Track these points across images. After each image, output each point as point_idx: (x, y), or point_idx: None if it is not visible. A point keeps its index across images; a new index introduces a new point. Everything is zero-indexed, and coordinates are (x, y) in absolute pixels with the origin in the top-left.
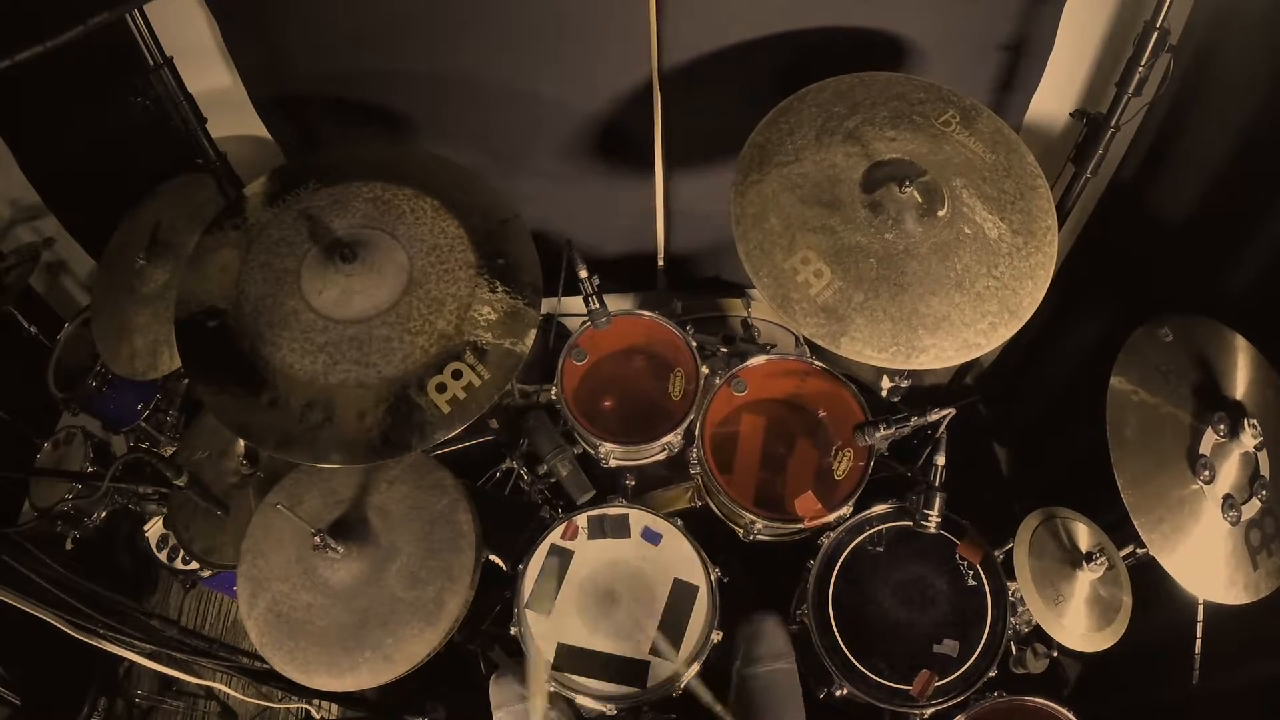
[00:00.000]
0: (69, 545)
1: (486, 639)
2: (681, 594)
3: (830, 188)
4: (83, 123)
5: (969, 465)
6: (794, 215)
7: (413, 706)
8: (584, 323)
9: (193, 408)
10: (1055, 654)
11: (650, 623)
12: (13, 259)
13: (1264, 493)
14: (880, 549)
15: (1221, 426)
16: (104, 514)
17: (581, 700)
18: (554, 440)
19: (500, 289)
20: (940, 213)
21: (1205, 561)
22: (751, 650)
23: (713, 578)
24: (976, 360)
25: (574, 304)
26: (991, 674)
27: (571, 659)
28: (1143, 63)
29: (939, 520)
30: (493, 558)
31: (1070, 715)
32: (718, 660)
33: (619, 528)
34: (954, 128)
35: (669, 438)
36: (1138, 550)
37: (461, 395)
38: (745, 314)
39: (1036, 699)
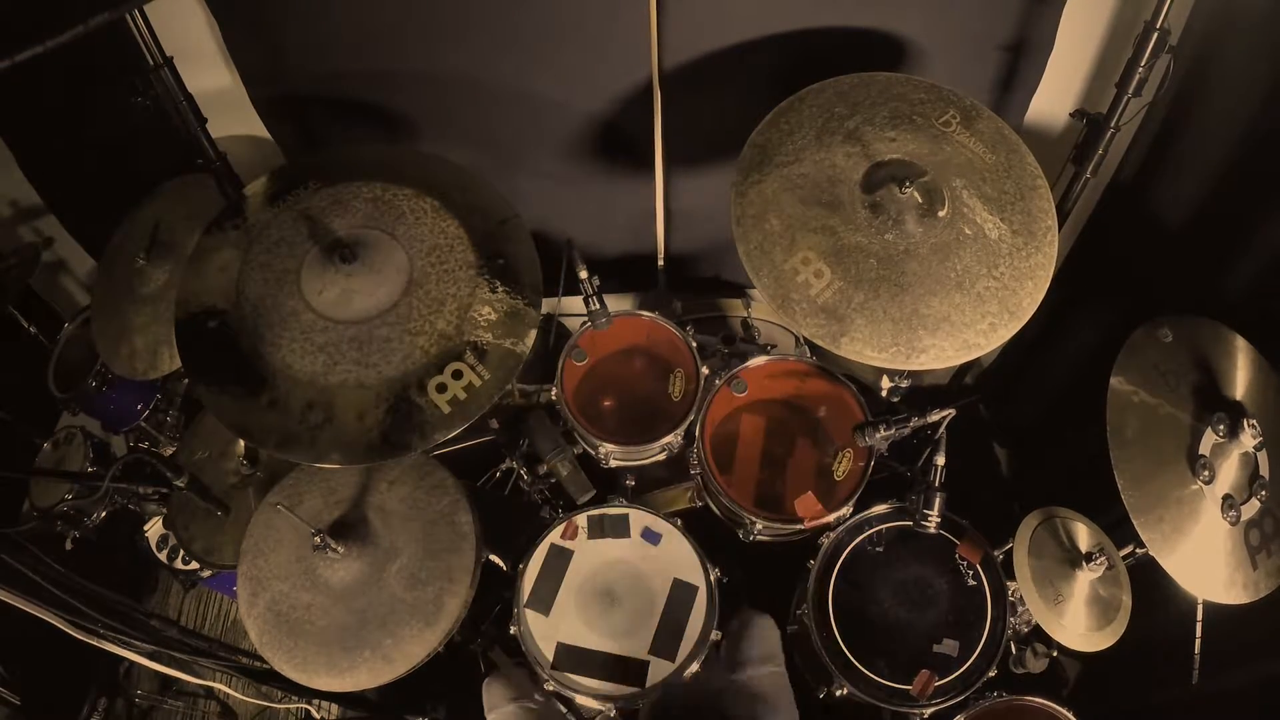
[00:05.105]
0: (69, 545)
1: (486, 639)
2: (681, 594)
3: (830, 188)
4: (83, 123)
5: (969, 465)
6: (794, 215)
7: (413, 706)
8: (584, 323)
9: (193, 408)
10: (1055, 654)
11: (650, 623)
12: (13, 259)
13: (1263, 493)
14: (880, 549)
15: (1221, 427)
16: (104, 514)
17: (581, 700)
18: (554, 440)
19: (500, 289)
20: (940, 213)
21: (1205, 561)
22: (739, 652)
23: (712, 578)
24: (976, 360)
25: (574, 304)
26: (991, 674)
27: (571, 659)
28: (1143, 63)
29: (939, 520)
30: (493, 558)
31: (1070, 715)
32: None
33: (619, 528)
34: (954, 128)
35: (669, 438)
36: (1137, 550)
37: (462, 395)
38: (745, 314)
39: (1036, 699)
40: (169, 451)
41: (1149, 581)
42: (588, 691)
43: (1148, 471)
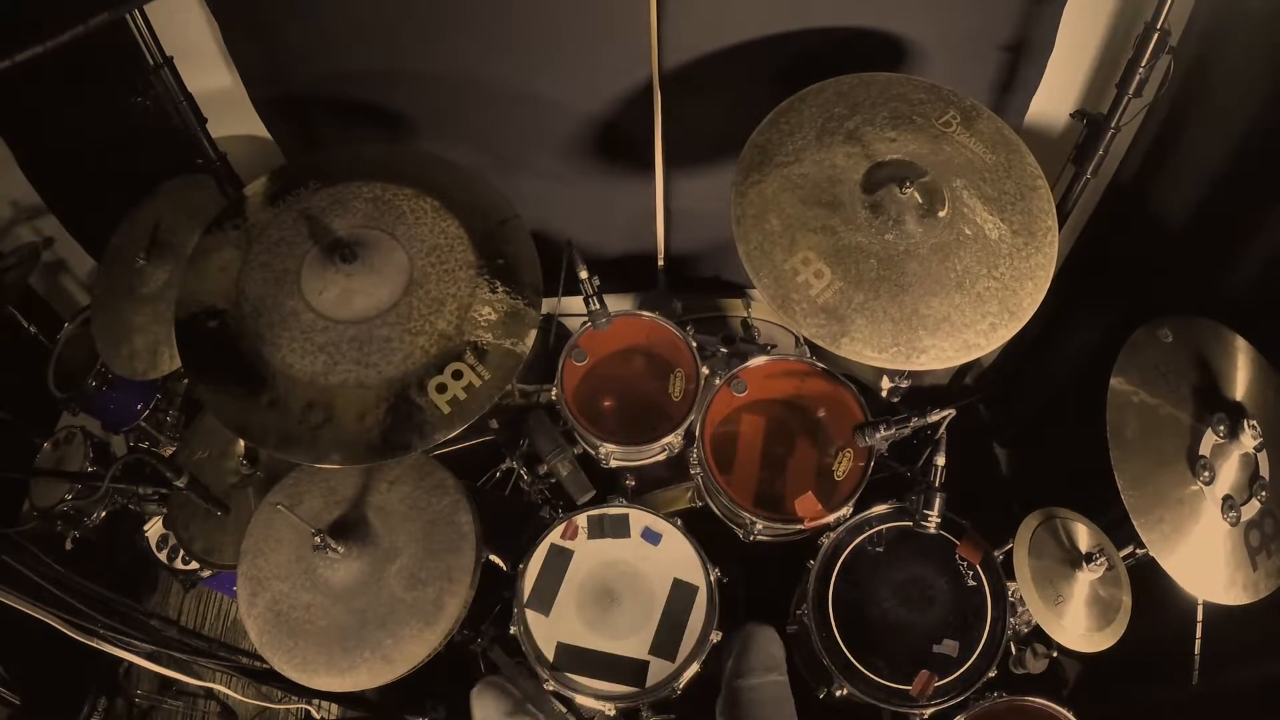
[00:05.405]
0: (69, 545)
1: (487, 639)
2: (681, 594)
3: (831, 188)
4: (83, 123)
5: (969, 465)
6: (794, 216)
7: (413, 706)
8: (584, 323)
9: (193, 408)
10: (1055, 654)
11: (650, 623)
12: (13, 259)
13: (1263, 493)
14: (880, 549)
15: (1221, 427)
16: (104, 514)
17: (581, 700)
18: (554, 440)
19: (500, 289)
20: (941, 213)
21: (1205, 562)
22: (743, 662)
23: (712, 578)
24: (976, 361)
25: (574, 304)
26: (991, 674)
27: (571, 659)
28: (1143, 64)
29: (939, 520)
30: (493, 558)
31: (1070, 715)
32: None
33: (619, 528)
34: (954, 128)
35: (669, 438)
36: (1137, 551)
37: (462, 395)
38: (745, 314)
39: (1036, 699)
40: (169, 451)
41: (1149, 582)
42: (588, 691)
43: (1148, 472)
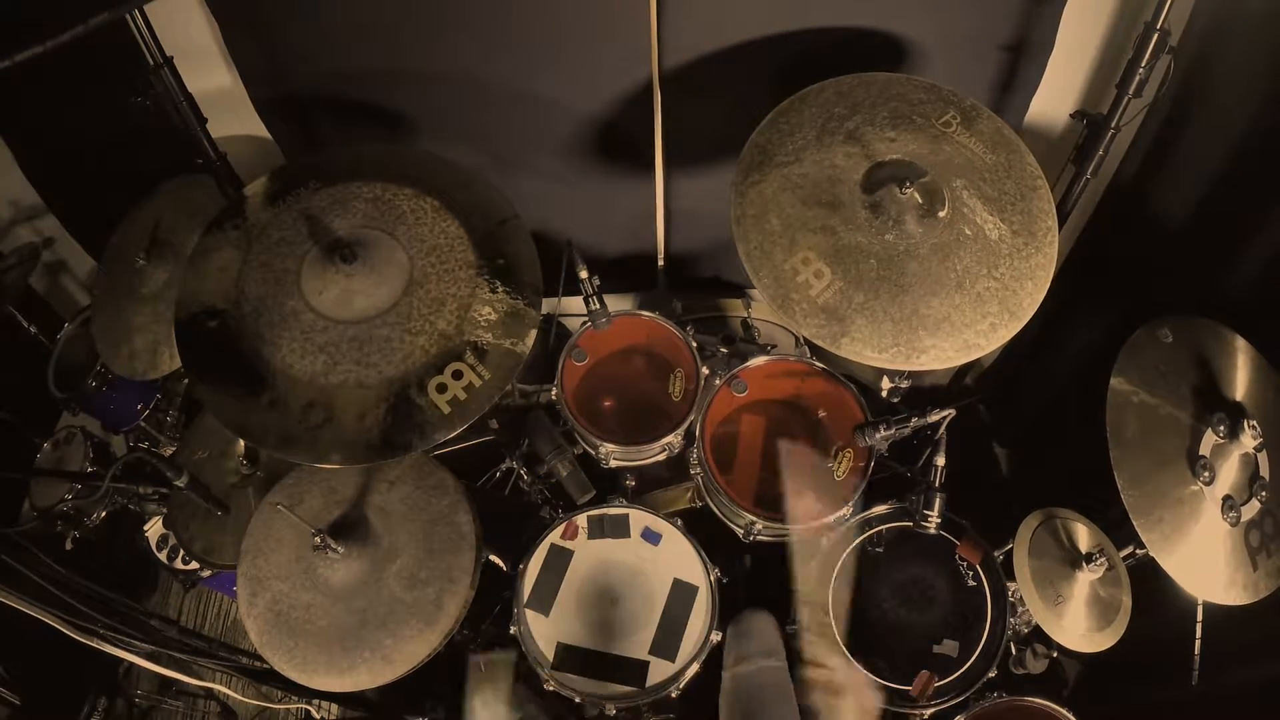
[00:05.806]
0: (69, 545)
1: (487, 639)
2: (681, 594)
3: (831, 188)
4: (83, 123)
5: (969, 465)
6: (794, 216)
7: (413, 706)
8: (584, 323)
9: (193, 408)
10: (1055, 654)
11: (650, 623)
12: (13, 259)
13: (1263, 494)
14: (880, 549)
15: (1221, 427)
16: (104, 514)
17: (582, 700)
18: (554, 440)
19: (500, 289)
20: (941, 213)
21: (1205, 562)
22: (741, 649)
23: (712, 578)
24: (976, 361)
25: (574, 304)
26: (991, 674)
27: (571, 659)
28: (1143, 64)
29: (939, 521)
30: (493, 558)
31: (1070, 715)
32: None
33: (619, 528)
34: (954, 128)
35: (669, 438)
36: (1137, 551)
37: (462, 395)
38: (745, 314)
39: (1036, 699)
40: (169, 451)
41: (1149, 582)
42: (587, 692)
43: (1148, 472)
